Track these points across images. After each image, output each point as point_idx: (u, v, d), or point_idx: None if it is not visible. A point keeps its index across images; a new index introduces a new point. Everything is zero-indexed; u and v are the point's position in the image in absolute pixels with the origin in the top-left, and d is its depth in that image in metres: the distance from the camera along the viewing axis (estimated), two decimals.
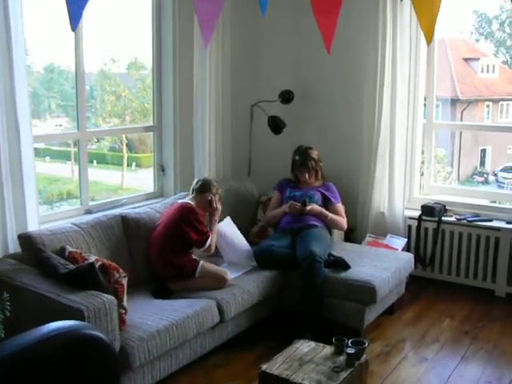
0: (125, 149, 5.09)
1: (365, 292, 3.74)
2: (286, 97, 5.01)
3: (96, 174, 4.89)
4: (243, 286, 3.72)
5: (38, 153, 4.29)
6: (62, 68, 4.33)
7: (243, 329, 3.78)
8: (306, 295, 3.82)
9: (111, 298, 2.90)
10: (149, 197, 4.67)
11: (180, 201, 3.91)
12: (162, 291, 3.56)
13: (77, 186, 4.27)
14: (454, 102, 5.72)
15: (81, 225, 3.58)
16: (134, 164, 5.23)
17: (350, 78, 4.99)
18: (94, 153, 4.92)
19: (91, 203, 4.27)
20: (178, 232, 3.69)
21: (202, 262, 3.72)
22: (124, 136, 4.97)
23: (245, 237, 4.55)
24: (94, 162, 4.88)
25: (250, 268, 4.01)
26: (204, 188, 3.91)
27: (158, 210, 4.03)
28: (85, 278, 2.94)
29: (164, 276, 3.67)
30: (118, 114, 4.85)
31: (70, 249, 3.29)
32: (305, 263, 3.85)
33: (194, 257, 3.78)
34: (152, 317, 3.20)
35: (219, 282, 3.66)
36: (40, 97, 4.36)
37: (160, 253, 3.70)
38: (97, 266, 3.01)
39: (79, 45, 3.97)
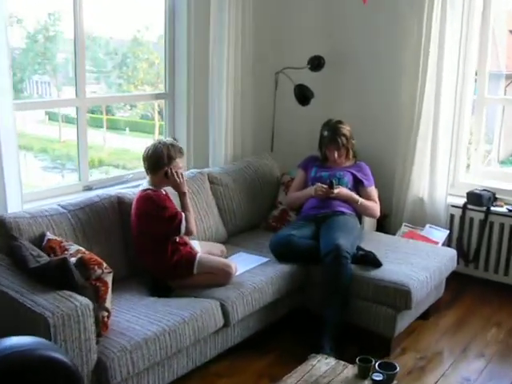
0: (156, 117, 4.83)
1: (398, 296, 3.20)
2: (316, 63, 4.52)
3: (128, 141, 4.84)
4: (254, 283, 3.19)
5: (72, 120, 4.13)
6: (95, 35, 4.12)
7: (253, 332, 3.27)
8: (329, 295, 3.32)
9: (86, 301, 2.38)
10: None
11: (140, 188, 3.28)
12: (160, 288, 3.06)
13: (110, 153, 4.11)
14: (498, 76, 5.12)
15: (67, 206, 3.08)
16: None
17: (390, 43, 4.40)
18: (127, 120, 4.84)
19: (119, 172, 3.96)
20: (146, 229, 3.13)
21: (199, 256, 3.17)
22: (156, 104, 4.68)
23: (264, 221, 4.07)
24: (127, 129, 4.80)
25: (266, 260, 3.48)
26: (155, 165, 3.20)
27: None
28: (56, 275, 2.44)
29: (159, 276, 3.16)
30: (150, 81, 4.64)
31: (49, 236, 2.81)
32: (329, 258, 3.33)
33: (192, 247, 3.25)
34: (142, 320, 2.71)
35: (222, 277, 3.14)
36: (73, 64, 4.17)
37: (146, 254, 3.18)
38: (74, 260, 2.52)
39: (77, 6, 3.53)
